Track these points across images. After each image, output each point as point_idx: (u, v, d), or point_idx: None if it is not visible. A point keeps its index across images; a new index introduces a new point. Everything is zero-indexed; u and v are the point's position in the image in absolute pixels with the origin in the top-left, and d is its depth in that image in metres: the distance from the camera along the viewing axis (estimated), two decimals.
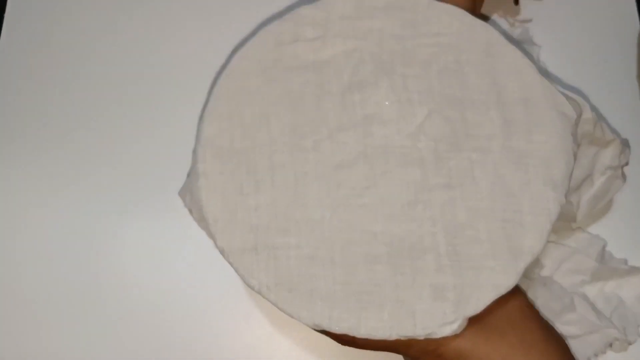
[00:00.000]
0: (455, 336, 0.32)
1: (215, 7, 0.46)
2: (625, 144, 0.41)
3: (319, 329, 0.33)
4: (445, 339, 0.32)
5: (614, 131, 0.42)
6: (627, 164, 0.41)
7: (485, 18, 0.45)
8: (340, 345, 0.35)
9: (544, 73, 0.43)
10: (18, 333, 0.41)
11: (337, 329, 0.32)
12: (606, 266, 0.41)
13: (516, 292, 0.37)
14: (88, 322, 0.41)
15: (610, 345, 0.39)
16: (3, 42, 0.47)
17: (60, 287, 0.42)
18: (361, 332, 0.32)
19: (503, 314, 0.35)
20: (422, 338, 0.32)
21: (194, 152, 0.36)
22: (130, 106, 0.45)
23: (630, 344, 0.39)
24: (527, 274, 0.40)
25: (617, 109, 0.45)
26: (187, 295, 0.42)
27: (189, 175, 0.35)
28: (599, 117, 0.41)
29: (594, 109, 0.44)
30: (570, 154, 0.34)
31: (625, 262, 0.42)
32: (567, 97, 0.36)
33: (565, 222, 0.40)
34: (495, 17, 0.46)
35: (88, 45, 0.46)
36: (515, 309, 0.35)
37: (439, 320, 0.32)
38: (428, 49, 0.36)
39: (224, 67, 0.37)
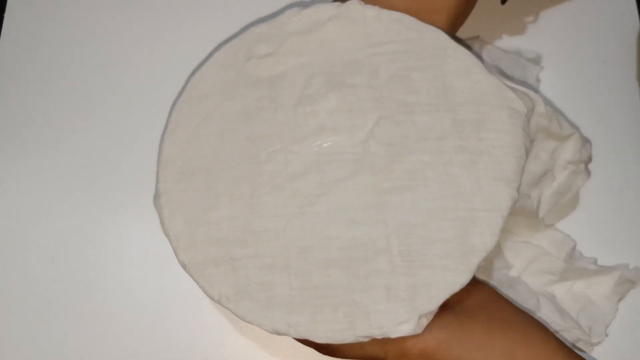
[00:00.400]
0: (428, 331, 0.33)
1: (172, 31, 0.48)
2: (585, 139, 0.41)
3: (280, 335, 0.33)
4: (418, 338, 0.33)
5: (573, 125, 0.42)
6: (590, 159, 0.41)
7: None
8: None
9: (498, 71, 0.44)
10: (17, 332, 0.42)
11: (295, 334, 0.33)
12: (575, 266, 0.41)
13: (481, 283, 0.38)
14: (88, 323, 0.42)
15: (574, 345, 0.39)
16: (3, 42, 0.48)
17: (56, 287, 0.43)
18: (319, 336, 0.33)
19: (473, 300, 0.35)
20: (379, 337, 0.32)
21: (157, 172, 0.37)
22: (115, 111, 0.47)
23: (593, 345, 0.39)
24: (489, 271, 0.40)
25: (617, 109, 0.44)
26: (186, 294, 0.43)
27: (154, 196, 0.37)
28: (557, 111, 0.41)
29: (594, 109, 0.44)
30: (521, 149, 0.35)
31: (595, 261, 0.42)
32: (518, 92, 0.36)
33: (533, 219, 0.40)
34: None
35: (72, 51, 0.48)
36: (484, 294, 0.36)
37: (393, 320, 0.32)
38: (377, 57, 0.37)
39: (183, 89, 0.38)
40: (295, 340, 0.36)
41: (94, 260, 0.43)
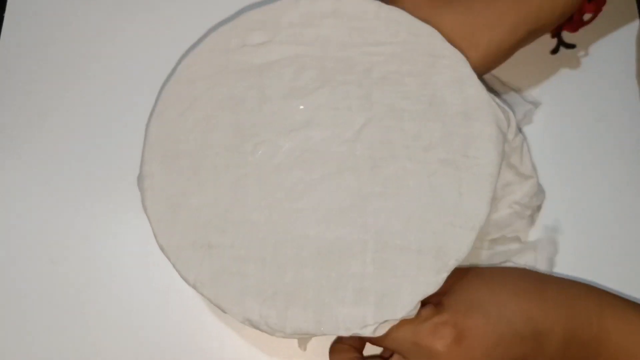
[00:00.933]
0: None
1: (165, 12, 0.47)
2: (540, 188, 0.41)
3: (252, 326, 0.34)
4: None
5: (534, 167, 0.42)
6: (538, 209, 0.41)
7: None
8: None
9: (494, 82, 0.43)
10: (16, 333, 0.42)
11: (265, 327, 0.34)
12: (499, 250, 0.41)
13: None
14: (87, 323, 0.42)
15: None
16: (3, 42, 0.47)
17: (56, 288, 0.42)
18: (287, 331, 0.34)
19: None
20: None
21: (142, 154, 0.37)
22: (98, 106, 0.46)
23: None
24: None
25: (617, 109, 0.44)
26: (185, 295, 0.42)
27: (137, 177, 0.37)
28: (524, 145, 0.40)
29: (594, 109, 0.44)
30: (498, 170, 0.35)
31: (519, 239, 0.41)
32: (502, 109, 0.36)
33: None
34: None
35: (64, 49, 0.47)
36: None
37: (359, 323, 0.33)
38: (371, 57, 0.37)
39: (173, 72, 0.38)
40: (294, 340, 0.37)
41: (93, 261, 0.43)
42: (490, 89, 0.41)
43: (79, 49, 0.47)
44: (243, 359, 0.41)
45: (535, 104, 0.43)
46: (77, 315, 0.42)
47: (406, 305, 0.33)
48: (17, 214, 0.44)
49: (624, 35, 0.46)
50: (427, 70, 0.37)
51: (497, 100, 0.37)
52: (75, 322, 0.42)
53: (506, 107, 0.37)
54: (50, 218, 0.43)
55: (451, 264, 0.34)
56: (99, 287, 0.42)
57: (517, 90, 0.44)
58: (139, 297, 0.42)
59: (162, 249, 0.35)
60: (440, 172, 0.35)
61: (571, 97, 0.44)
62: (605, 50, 0.45)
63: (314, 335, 0.34)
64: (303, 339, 0.37)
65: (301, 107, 0.37)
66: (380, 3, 0.38)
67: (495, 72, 0.41)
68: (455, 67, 0.36)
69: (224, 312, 0.34)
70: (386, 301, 0.33)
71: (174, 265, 0.35)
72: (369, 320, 0.33)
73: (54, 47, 0.47)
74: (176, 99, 0.37)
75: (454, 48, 0.37)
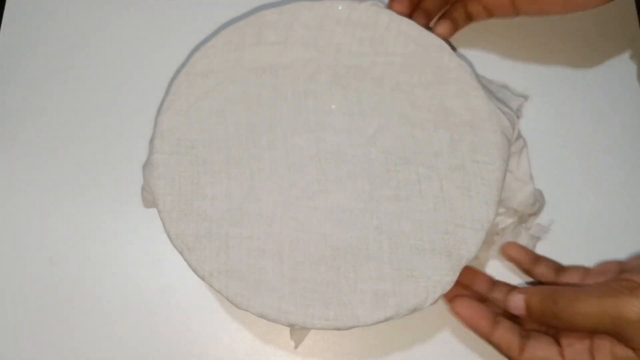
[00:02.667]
0: None
1: (178, 6, 0.46)
2: (539, 195, 0.41)
3: (268, 319, 0.33)
4: None
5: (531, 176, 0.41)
6: (535, 215, 0.41)
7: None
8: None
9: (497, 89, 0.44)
10: (16, 332, 0.40)
11: (284, 321, 0.33)
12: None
13: None
14: (87, 322, 0.40)
15: None
16: (3, 42, 0.45)
17: (55, 287, 0.40)
18: (307, 327, 0.33)
19: None
20: None
21: (151, 143, 0.36)
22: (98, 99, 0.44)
23: None
24: None
25: (617, 109, 0.44)
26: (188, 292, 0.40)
27: (144, 166, 0.35)
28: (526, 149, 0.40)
29: (594, 109, 0.44)
30: (503, 175, 0.36)
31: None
32: (507, 115, 0.38)
33: None
34: None
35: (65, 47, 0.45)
36: None
37: (378, 321, 0.33)
38: (382, 67, 0.38)
39: (184, 64, 0.37)
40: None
41: (93, 259, 0.41)
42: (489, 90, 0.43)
43: (87, 43, 0.45)
44: (244, 354, 0.40)
45: (525, 97, 0.44)
46: (81, 314, 0.40)
47: (424, 304, 0.33)
48: (18, 210, 0.42)
49: (624, 35, 0.46)
50: (435, 81, 0.38)
51: (504, 107, 0.39)
52: (79, 321, 0.40)
53: (512, 113, 0.39)
54: (50, 214, 0.41)
55: (463, 263, 0.34)
56: (102, 284, 0.40)
57: (504, 86, 0.44)
58: (139, 295, 0.40)
59: (172, 239, 0.34)
60: (450, 177, 0.36)
61: (571, 98, 0.45)
62: (606, 50, 0.46)
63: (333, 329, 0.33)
64: (299, 334, 0.36)
65: (315, 109, 0.37)
66: (392, 14, 0.39)
67: (483, 69, 0.42)
68: (462, 79, 0.38)
69: (238, 306, 0.33)
70: (405, 301, 0.33)
71: (185, 257, 0.34)
72: (387, 318, 0.33)
73: (59, 40, 0.45)
74: (188, 90, 0.36)
75: (461, 60, 0.38)
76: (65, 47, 0.45)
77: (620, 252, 0.40)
